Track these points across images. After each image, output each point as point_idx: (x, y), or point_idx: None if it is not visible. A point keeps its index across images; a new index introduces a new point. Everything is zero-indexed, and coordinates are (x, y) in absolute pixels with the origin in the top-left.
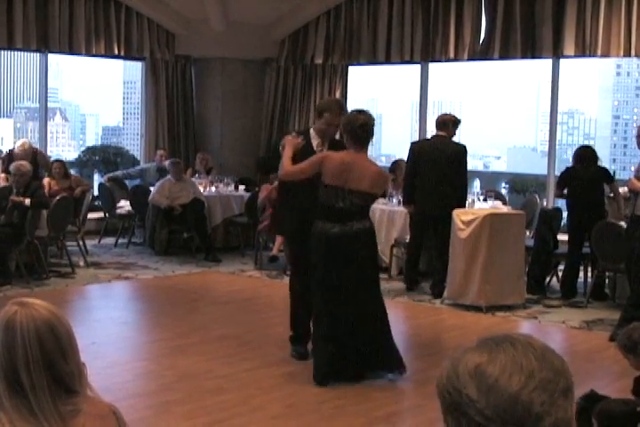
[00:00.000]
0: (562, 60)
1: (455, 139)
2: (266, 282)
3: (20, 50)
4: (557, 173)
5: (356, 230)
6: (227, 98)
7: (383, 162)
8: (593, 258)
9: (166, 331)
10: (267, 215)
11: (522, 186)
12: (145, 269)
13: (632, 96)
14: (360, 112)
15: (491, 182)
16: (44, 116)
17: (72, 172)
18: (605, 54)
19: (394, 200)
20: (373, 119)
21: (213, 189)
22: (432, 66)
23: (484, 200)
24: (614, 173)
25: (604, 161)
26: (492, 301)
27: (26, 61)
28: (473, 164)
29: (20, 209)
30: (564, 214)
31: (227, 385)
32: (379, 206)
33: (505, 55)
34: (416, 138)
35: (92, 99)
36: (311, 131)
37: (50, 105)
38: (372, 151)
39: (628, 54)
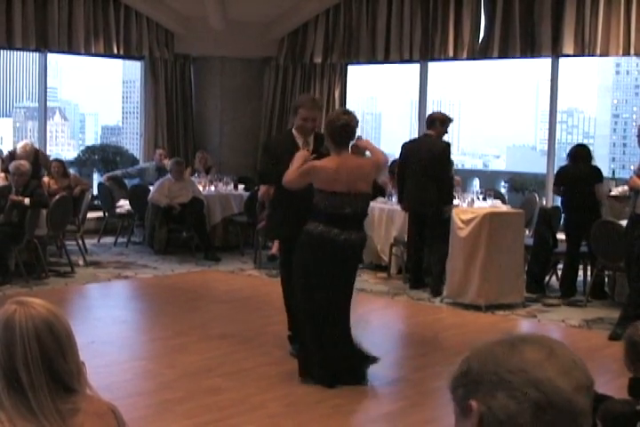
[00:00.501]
0: (561, 59)
1: (447, 137)
2: (265, 281)
3: (20, 49)
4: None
5: (359, 238)
6: (226, 97)
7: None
8: (592, 257)
9: (165, 330)
10: (266, 214)
11: (521, 185)
12: (144, 268)
13: (631, 95)
14: (344, 113)
15: (490, 181)
16: (44, 115)
17: (71, 171)
18: (605, 53)
19: (393, 199)
20: (357, 120)
21: (213, 188)
22: (431, 65)
23: (484, 199)
24: (613, 171)
25: (604, 160)
26: (491, 299)
27: (25, 61)
28: (472, 162)
29: (20, 208)
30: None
31: (226, 384)
32: (378, 205)
33: (504, 54)
34: (415, 136)
35: (92, 98)
36: (293, 131)
37: (49, 104)
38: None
39: (627, 53)
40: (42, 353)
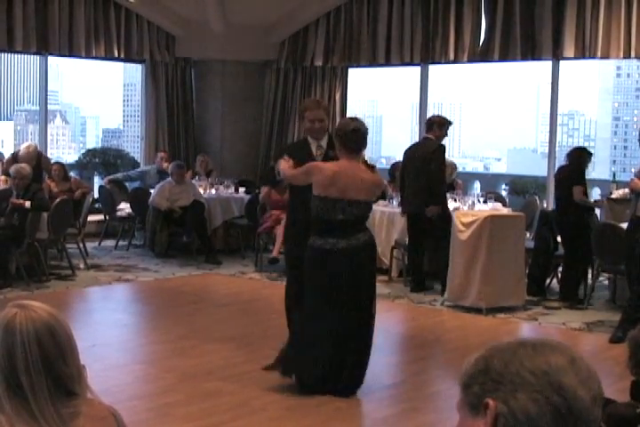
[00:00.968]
0: (562, 62)
1: (447, 139)
2: (266, 284)
3: (20, 52)
4: None
5: (361, 241)
6: (227, 100)
7: (383, 164)
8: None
9: (166, 333)
10: (267, 217)
11: (522, 188)
12: (145, 271)
13: (632, 97)
14: (353, 119)
15: (491, 184)
16: (45, 118)
17: (72, 174)
18: (605, 56)
19: (394, 202)
20: (366, 127)
21: (213, 191)
22: (432, 67)
23: (485, 202)
24: (614, 174)
25: (605, 162)
26: (492, 302)
27: (26, 64)
28: (473, 165)
29: (21, 211)
30: None
31: (226, 387)
32: (379, 208)
33: (505, 57)
34: (416, 140)
35: (93, 101)
36: (308, 138)
37: (50, 107)
38: (372, 153)
39: (628, 56)
40: (42, 357)
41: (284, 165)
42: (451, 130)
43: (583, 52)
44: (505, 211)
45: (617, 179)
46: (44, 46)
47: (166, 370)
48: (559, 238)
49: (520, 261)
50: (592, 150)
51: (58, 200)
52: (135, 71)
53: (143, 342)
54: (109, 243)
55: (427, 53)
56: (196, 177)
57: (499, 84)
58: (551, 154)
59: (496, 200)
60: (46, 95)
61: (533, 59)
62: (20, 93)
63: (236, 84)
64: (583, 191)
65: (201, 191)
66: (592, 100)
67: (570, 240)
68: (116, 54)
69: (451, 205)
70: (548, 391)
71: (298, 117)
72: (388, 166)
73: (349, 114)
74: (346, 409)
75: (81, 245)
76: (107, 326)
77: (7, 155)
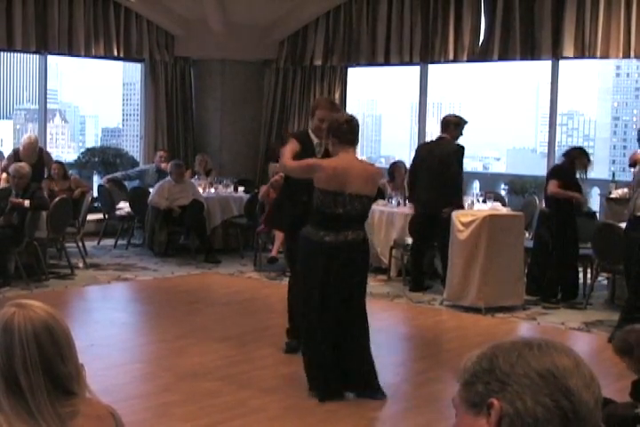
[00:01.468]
0: (561, 62)
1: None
2: (265, 283)
3: (20, 51)
4: None
5: (353, 240)
6: (226, 99)
7: (383, 163)
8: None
9: (165, 332)
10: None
11: (521, 187)
12: (144, 270)
13: (632, 97)
14: (346, 114)
15: (490, 184)
16: (44, 117)
17: (71, 173)
18: (605, 55)
19: (393, 201)
20: (356, 120)
21: (212, 190)
22: (431, 67)
23: (484, 202)
24: (613, 174)
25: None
26: (491, 302)
27: (25, 63)
28: (472, 165)
29: (20, 211)
30: None
31: (225, 387)
32: (378, 208)
33: (504, 56)
34: (415, 139)
35: (92, 100)
36: (309, 132)
37: (49, 106)
38: (371, 152)
39: (627, 55)
40: (41, 356)
41: (288, 153)
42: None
43: (582, 51)
44: (504, 210)
45: (616, 179)
46: (43, 45)
47: (165, 369)
48: None
49: (519, 261)
50: (591, 150)
51: (57, 199)
52: (134, 70)
53: (142, 341)
54: (108, 242)
55: (426, 53)
56: (196, 176)
57: (498, 84)
58: (550, 154)
59: (495, 200)
60: (45, 94)
61: (533, 58)
62: (20, 92)
63: (235, 84)
64: (558, 185)
65: (200, 190)
66: (591, 99)
67: (554, 237)
68: (116, 53)
69: None
70: (556, 395)
71: (298, 116)
72: (387, 166)
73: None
74: (345, 409)
75: (80, 245)
76: (105, 325)
77: (6, 153)
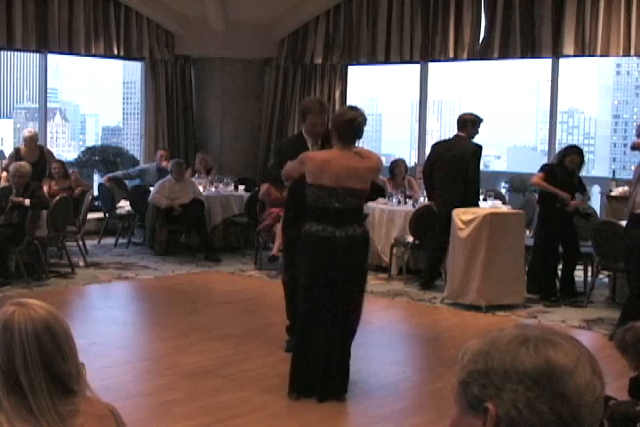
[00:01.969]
0: (561, 60)
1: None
2: (265, 282)
3: (20, 50)
4: None
5: (356, 235)
6: (226, 98)
7: (383, 162)
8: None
9: (166, 331)
10: (267, 214)
11: (521, 185)
12: (145, 269)
13: (632, 95)
14: (351, 108)
15: (490, 182)
16: (44, 116)
17: (70, 170)
18: (605, 53)
19: (394, 200)
20: (364, 117)
21: (213, 189)
22: (432, 65)
23: (484, 200)
24: (614, 172)
25: (605, 160)
26: (491, 300)
27: (25, 62)
28: None
29: (20, 209)
30: None
31: (226, 385)
32: (379, 206)
33: (504, 55)
34: (416, 138)
35: (92, 99)
36: (304, 133)
37: (50, 105)
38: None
39: (627, 53)
40: (41, 355)
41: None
42: (449, 128)
43: (583, 49)
44: (504, 208)
45: (616, 176)
46: (43, 44)
47: (166, 368)
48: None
49: (520, 259)
50: (592, 148)
51: (57, 198)
52: (135, 69)
53: (142, 339)
54: (109, 241)
55: (426, 51)
56: (196, 175)
57: (498, 82)
58: (551, 152)
59: (496, 198)
60: (46, 93)
61: (533, 56)
62: (20, 91)
63: (235, 82)
64: (541, 177)
65: (200, 189)
66: (592, 97)
67: (537, 231)
68: (116, 52)
69: None
70: (552, 401)
71: (297, 115)
72: (388, 164)
73: None
74: (345, 407)
75: (80, 243)
76: (106, 323)
77: (7, 152)
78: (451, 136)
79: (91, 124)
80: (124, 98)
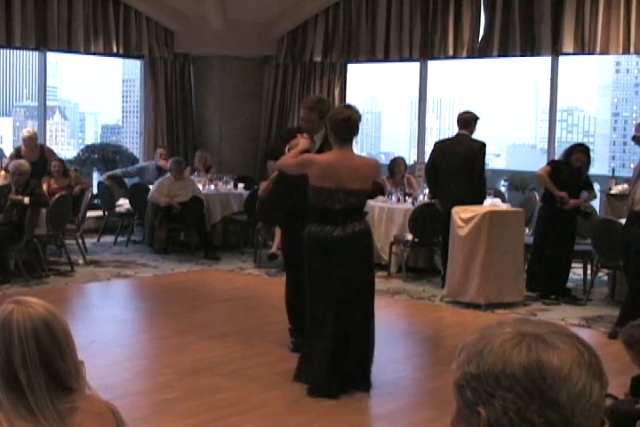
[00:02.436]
0: (561, 58)
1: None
2: (265, 280)
3: (19, 48)
4: None
5: (358, 232)
6: (226, 96)
7: (382, 159)
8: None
9: (165, 329)
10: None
11: (521, 183)
12: (144, 267)
13: (631, 93)
14: (345, 107)
15: (490, 180)
16: (43, 114)
17: (72, 168)
18: (604, 51)
19: (393, 198)
20: (359, 115)
21: (212, 187)
22: (431, 63)
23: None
24: (613, 170)
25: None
26: (491, 298)
27: (25, 60)
28: None
29: (20, 208)
30: None
31: (225, 383)
32: (378, 204)
33: (504, 53)
34: (415, 136)
35: (92, 97)
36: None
37: (49, 103)
38: (371, 149)
39: (627, 51)
40: (40, 352)
41: (294, 152)
42: (449, 126)
43: (582, 47)
44: (504, 207)
45: (616, 174)
46: (42, 42)
47: (165, 366)
48: None
49: (519, 257)
50: (591, 146)
51: (57, 196)
52: (134, 67)
53: (142, 337)
54: (108, 239)
55: (426, 49)
56: (195, 173)
57: (498, 80)
58: (550, 150)
59: (495, 196)
60: (45, 91)
61: (532, 54)
62: (19, 89)
63: (234, 80)
64: (546, 170)
65: (200, 187)
66: (591, 95)
67: (537, 229)
68: (115, 50)
69: None
70: (544, 410)
71: (298, 113)
72: (387, 162)
73: None
74: (345, 405)
75: (80, 241)
76: (106, 321)
77: (6, 150)
78: (451, 135)
79: (90, 122)
80: (123, 96)
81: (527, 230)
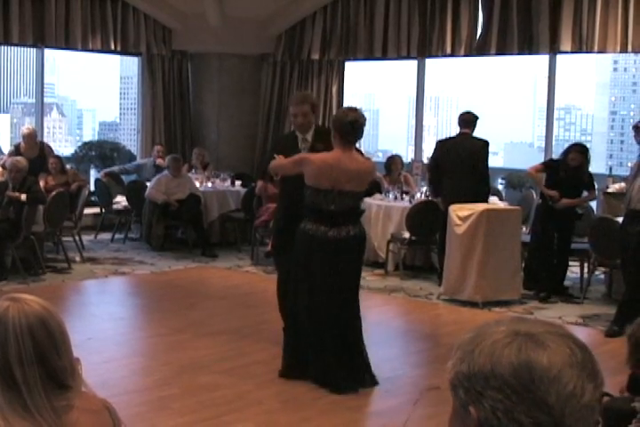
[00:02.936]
0: (559, 56)
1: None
2: (262, 277)
3: (17, 45)
4: None
5: (352, 236)
6: (223, 93)
7: (380, 157)
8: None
9: (162, 326)
10: (263, 210)
11: (518, 182)
12: (141, 264)
13: (629, 92)
14: (350, 109)
15: None
16: (41, 111)
17: (69, 166)
18: (602, 50)
19: (390, 195)
20: (364, 118)
21: (210, 184)
22: (429, 61)
23: None
24: (610, 168)
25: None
26: (488, 296)
27: (22, 56)
28: None
29: (17, 204)
30: None
31: (223, 380)
32: (375, 202)
33: (502, 51)
34: (413, 133)
35: (89, 94)
36: (296, 131)
37: (46, 100)
38: (368, 147)
39: (625, 50)
40: (36, 350)
41: (277, 161)
42: (446, 124)
43: (580, 46)
44: (501, 205)
45: (613, 173)
46: (40, 39)
47: (162, 363)
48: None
49: (516, 255)
50: (589, 144)
51: (54, 193)
52: (132, 64)
53: (139, 335)
54: (105, 236)
55: (423, 47)
56: (193, 170)
57: (495, 78)
58: (547, 148)
59: (492, 194)
60: (42, 88)
61: (530, 53)
62: (17, 86)
63: (232, 78)
64: (537, 168)
65: (197, 184)
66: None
67: (533, 227)
68: (113, 47)
69: None
70: (533, 411)
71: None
72: (384, 160)
73: None
74: (342, 402)
75: (77, 238)
76: (102, 319)
77: (3, 147)
78: (450, 133)
79: (87, 119)
80: (120, 93)
81: (524, 228)
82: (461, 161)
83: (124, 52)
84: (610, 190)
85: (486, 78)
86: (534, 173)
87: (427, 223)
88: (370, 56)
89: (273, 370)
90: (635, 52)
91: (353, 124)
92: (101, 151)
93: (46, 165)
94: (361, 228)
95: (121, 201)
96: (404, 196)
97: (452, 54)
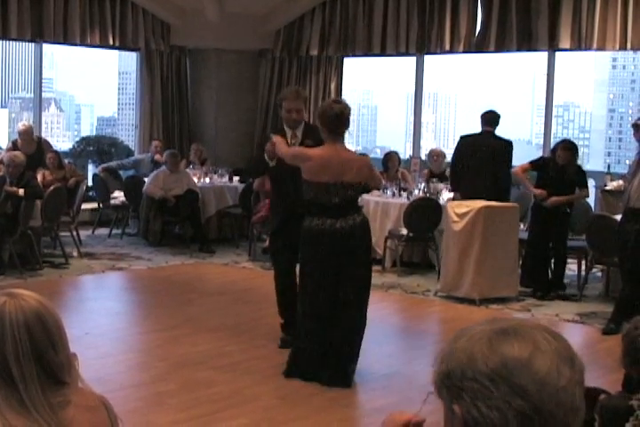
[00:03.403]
0: (557, 53)
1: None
2: (259, 273)
3: (15, 40)
4: None
5: (359, 223)
6: (221, 89)
7: (378, 154)
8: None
9: (159, 322)
10: (261, 206)
11: (516, 179)
12: (138, 259)
13: (627, 89)
14: (335, 102)
15: None
16: (39, 106)
17: (66, 162)
18: (601, 47)
19: (388, 192)
20: (349, 109)
21: (207, 180)
22: (427, 58)
23: None
24: (609, 166)
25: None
26: (485, 293)
27: (20, 51)
28: None
29: (14, 199)
30: None
31: (219, 376)
32: (373, 198)
33: (500, 48)
34: (411, 130)
35: (87, 89)
36: (285, 127)
37: (44, 95)
38: (366, 143)
39: (623, 47)
40: (32, 345)
41: (280, 143)
42: (445, 121)
43: (579, 43)
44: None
45: (611, 171)
46: (38, 34)
47: (159, 359)
48: None
49: (513, 253)
50: (587, 142)
51: (51, 188)
52: (130, 59)
53: (136, 330)
54: (103, 231)
55: (422, 43)
56: (191, 166)
57: (494, 75)
58: (546, 145)
59: None
60: (41, 83)
61: (529, 50)
62: (15, 81)
63: (230, 73)
64: (522, 167)
65: (195, 180)
66: (587, 91)
67: (530, 225)
68: (111, 42)
69: (445, 195)
70: (508, 396)
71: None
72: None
73: None
74: (339, 399)
75: (74, 234)
76: (99, 314)
77: (1, 141)
78: (455, 131)
79: (86, 114)
80: (119, 88)
81: (522, 226)
82: (480, 158)
83: (123, 47)
84: (608, 188)
85: (485, 75)
86: (520, 173)
87: (424, 220)
88: (368, 52)
89: (270, 366)
90: (634, 49)
91: (339, 117)
92: (99, 146)
93: (44, 160)
94: (364, 215)
95: (118, 196)
96: (402, 192)
97: (451, 51)
